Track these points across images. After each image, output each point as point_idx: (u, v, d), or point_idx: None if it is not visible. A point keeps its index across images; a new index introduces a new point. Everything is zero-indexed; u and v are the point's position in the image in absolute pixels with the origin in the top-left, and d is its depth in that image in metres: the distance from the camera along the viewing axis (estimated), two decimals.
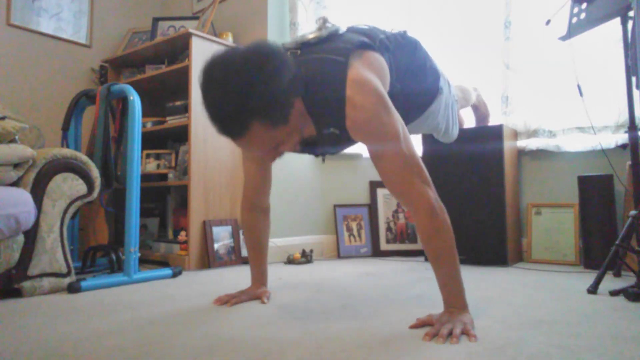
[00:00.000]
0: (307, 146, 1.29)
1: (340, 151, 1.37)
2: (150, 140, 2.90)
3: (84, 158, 1.90)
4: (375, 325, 1.21)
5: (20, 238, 1.67)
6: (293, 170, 2.82)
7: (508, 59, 2.42)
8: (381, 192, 2.91)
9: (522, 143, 2.45)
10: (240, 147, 1.16)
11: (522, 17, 2.40)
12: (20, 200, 1.63)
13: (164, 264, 2.47)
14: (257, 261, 1.60)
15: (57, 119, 2.61)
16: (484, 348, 1.00)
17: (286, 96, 1.06)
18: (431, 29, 2.76)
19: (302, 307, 1.43)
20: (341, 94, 1.12)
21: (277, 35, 2.93)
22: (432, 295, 1.58)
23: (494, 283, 1.78)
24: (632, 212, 1.63)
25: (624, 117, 2.06)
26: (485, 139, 2.29)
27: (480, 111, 2.36)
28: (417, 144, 1.76)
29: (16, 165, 1.70)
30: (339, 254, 2.79)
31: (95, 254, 2.29)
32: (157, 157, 2.80)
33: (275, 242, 2.58)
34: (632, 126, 1.68)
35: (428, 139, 2.42)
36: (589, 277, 1.80)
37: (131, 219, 1.93)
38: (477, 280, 1.82)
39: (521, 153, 2.48)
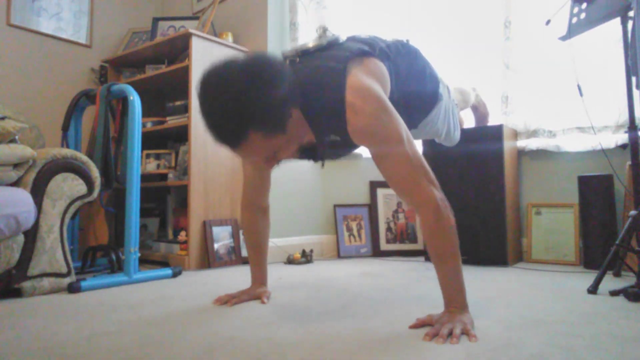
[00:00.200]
0: (306, 152, 1.30)
1: (340, 157, 1.37)
2: (150, 140, 2.90)
3: (84, 158, 1.90)
4: (375, 325, 1.21)
5: (20, 238, 1.67)
6: (293, 170, 2.82)
7: (508, 59, 2.42)
8: (381, 192, 2.91)
9: (522, 143, 2.45)
10: (238, 155, 1.17)
11: (522, 17, 2.40)
12: (20, 200, 1.63)
13: (164, 264, 2.47)
14: (257, 261, 1.60)
15: (57, 119, 2.61)
16: (484, 348, 1.00)
17: (283, 105, 1.06)
18: (431, 29, 2.76)
19: (302, 307, 1.43)
20: (340, 101, 1.12)
21: (277, 35, 2.93)
22: (432, 295, 1.58)
23: (494, 283, 1.78)
24: (632, 212, 1.63)
25: (624, 117, 2.06)
26: (485, 139, 2.29)
27: (479, 111, 2.36)
28: (417, 144, 1.76)
29: (16, 165, 1.70)
30: (339, 254, 2.79)
31: (95, 254, 2.29)
32: (157, 157, 2.80)
33: (275, 242, 2.58)
34: (632, 126, 1.68)
35: (428, 140, 2.42)
36: (589, 277, 1.80)
37: (131, 219, 1.93)
38: (477, 280, 1.82)
39: (521, 153, 2.48)
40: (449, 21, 2.71)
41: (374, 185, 2.92)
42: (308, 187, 2.93)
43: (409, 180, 1.16)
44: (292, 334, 1.13)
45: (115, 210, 2.32)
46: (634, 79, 1.69)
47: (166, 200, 2.92)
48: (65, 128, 2.33)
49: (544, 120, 2.37)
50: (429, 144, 2.42)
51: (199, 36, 2.49)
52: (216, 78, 1.04)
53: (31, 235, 1.70)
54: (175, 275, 2.08)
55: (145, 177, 2.66)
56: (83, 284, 1.75)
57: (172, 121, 2.63)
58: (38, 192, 1.73)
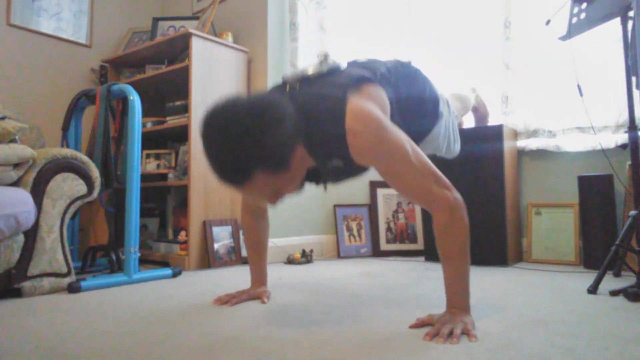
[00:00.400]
0: (309, 177, 1.30)
1: (344, 181, 1.37)
2: (150, 140, 2.90)
3: (84, 158, 1.90)
4: (375, 325, 1.21)
5: (20, 238, 1.67)
6: None
7: (508, 59, 2.42)
8: (381, 192, 2.91)
9: (522, 143, 2.45)
10: (242, 194, 1.17)
11: (522, 17, 2.40)
12: (20, 200, 1.63)
13: (164, 264, 2.47)
14: (257, 261, 1.61)
15: (57, 119, 2.61)
16: (484, 348, 1.00)
17: (288, 145, 1.06)
18: (431, 29, 2.76)
19: (302, 307, 1.43)
20: (341, 128, 1.12)
21: (277, 35, 2.93)
22: (432, 295, 1.58)
23: (494, 283, 1.78)
24: (632, 212, 1.63)
25: (624, 117, 2.06)
26: (485, 139, 2.29)
27: (479, 111, 2.36)
28: None
29: (16, 165, 1.70)
30: (339, 254, 2.79)
31: (95, 254, 2.29)
32: (157, 157, 2.80)
33: (275, 242, 2.58)
34: (632, 126, 1.68)
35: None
36: (589, 277, 1.80)
37: (131, 219, 1.93)
38: (477, 280, 1.82)
39: (521, 153, 2.48)
40: (449, 21, 2.71)
41: (373, 185, 2.92)
42: (308, 187, 2.93)
43: (421, 190, 1.16)
44: (292, 334, 1.13)
45: (115, 210, 2.32)
46: (634, 79, 1.69)
47: (166, 200, 2.92)
48: (65, 128, 2.33)
49: (544, 120, 2.37)
50: None
51: (199, 36, 2.49)
52: (220, 119, 1.03)
53: (31, 235, 1.70)
54: (175, 275, 2.08)
55: (145, 177, 2.66)
56: (83, 284, 1.75)
57: (172, 121, 2.63)
58: (38, 192, 1.73)
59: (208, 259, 2.41)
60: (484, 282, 1.80)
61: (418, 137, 1.54)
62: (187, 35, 2.47)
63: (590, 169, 2.26)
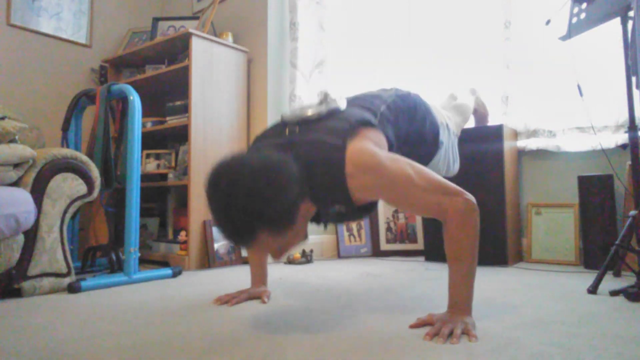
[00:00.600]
0: (311, 218, 1.30)
1: (348, 222, 1.38)
2: (150, 140, 2.90)
3: (84, 158, 1.90)
4: (375, 325, 1.21)
5: (20, 238, 1.67)
6: None
7: (508, 59, 2.42)
8: None
9: (522, 143, 2.45)
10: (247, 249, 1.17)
11: (522, 17, 2.40)
12: (20, 200, 1.63)
13: (164, 264, 2.47)
14: (257, 261, 1.61)
15: (57, 119, 2.61)
16: (484, 348, 1.00)
17: (293, 206, 1.06)
18: (431, 29, 2.76)
19: (302, 307, 1.43)
20: (341, 176, 1.13)
21: (277, 35, 2.94)
22: (432, 295, 1.58)
23: (494, 283, 1.78)
24: (632, 212, 1.63)
25: (624, 117, 2.06)
26: (485, 139, 2.29)
27: (479, 112, 2.36)
28: None
29: (16, 165, 1.70)
30: (339, 254, 2.79)
31: (95, 254, 2.29)
32: (157, 157, 2.81)
33: None
34: (632, 126, 1.68)
35: None
36: (589, 277, 1.80)
37: (131, 219, 1.93)
38: (477, 281, 1.81)
39: (521, 153, 2.48)
40: (449, 21, 2.71)
41: None
42: None
43: (431, 205, 1.16)
44: (292, 334, 1.13)
45: (115, 210, 2.32)
46: (634, 79, 1.69)
47: (166, 200, 2.92)
48: (65, 128, 2.33)
49: (544, 120, 2.37)
50: None
51: (199, 36, 2.50)
52: (226, 181, 1.02)
53: (31, 235, 1.70)
54: (175, 275, 2.08)
55: (145, 177, 2.66)
56: (83, 284, 1.75)
57: (172, 121, 2.63)
58: (38, 192, 1.73)
59: (208, 259, 2.41)
60: (484, 282, 1.80)
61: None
62: (187, 35, 2.47)
63: (590, 169, 2.26)
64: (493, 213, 2.23)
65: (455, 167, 1.84)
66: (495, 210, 2.23)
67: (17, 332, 1.19)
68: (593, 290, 1.56)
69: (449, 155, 1.74)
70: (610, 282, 1.70)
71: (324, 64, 2.88)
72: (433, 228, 2.46)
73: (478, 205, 1.19)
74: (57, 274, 1.75)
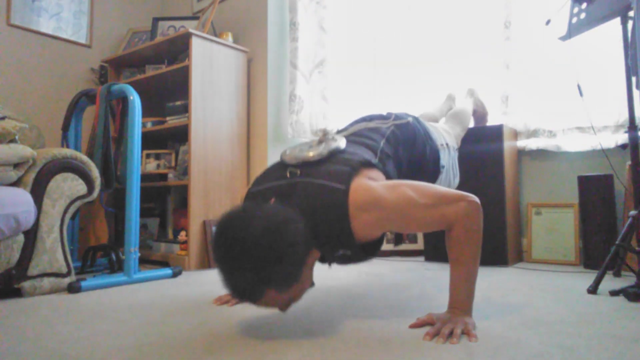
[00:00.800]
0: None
1: (350, 264, 1.37)
2: (150, 140, 2.90)
3: (84, 158, 1.90)
4: (375, 325, 1.21)
5: (20, 238, 1.67)
6: None
7: (508, 59, 2.41)
8: None
9: (522, 143, 2.45)
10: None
11: (522, 17, 2.40)
12: (20, 200, 1.63)
13: (164, 264, 2.47)
14: None
15: (57, 119, 2.61)
16: (484, 348, 1.00)
17: (300, 264, 1.06)
18: (431, 29, 2.76)
19: (302, 307, 1.43)
20: (345, 220, 1.12)
21: (277, 35, 2.94)
22: (432, 295, 1.58)
23: (494, 283, 1.78)
24: (632, 212, 1.63)
25: (624, 117, 2.06)
26: (485, 139, 2.29)
27: (478, 112, 2.36)
28: None
29: (16, 165, 1.70)
30: None
31: (95, 254, 2.29)
32: (157, 157, 2.81)
33: None
34: (632, 126, 1.68)
35: None
36: (589, 277, 1.80)
37: (131, 219, 1.93)
38: (477, 280, 1.81)
39: (521, 153, 2.48)
40: (449, 21, 2.71)
41: None
42: None
43: (436, 220, 1.16)
44: (292, 334, 1.14)
45: (115, 210, 2.32)
46: (634, 79, 1.69)
47: (166, 200, 2.92)
48: (65, 128, 2.33)
49: (544, 120, 2.37)
50: None
51: (199, 36, 2.50)
52: (234, 242, 1.02)
53: (31, 235, 1.70)
54: (175, 275, 2.08)
55: (145, 177, 2.66)
56: (83, 284, 1.75)
57: (172, 121, 2.63)
58: (38, 192, 1.73)
59: (208, 259, 2.41)
60: (484, 282, 1.80)
61: None
62: (187, 35, 2.47)
63: (590, 169, 2.26)
64: (493, 213, 2.23)
65: (456, 182, 1.85)
66: (495, 210, 2.23)
67: (17, 332, 1.19)
68: (593, 290, 1.56)
69: (450, 174, 1.75)
70: (610, 282, 1.70)
71: (324, 64, 2.88)
72: None
73: None
74: (57, 274, 1.75)
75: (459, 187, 2.31)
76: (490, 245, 2.22)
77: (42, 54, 2.82)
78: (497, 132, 2.27)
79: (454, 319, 1.12)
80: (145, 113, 2.72)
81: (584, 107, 1.88)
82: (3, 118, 1.83)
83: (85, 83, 3.01)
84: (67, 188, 1.82)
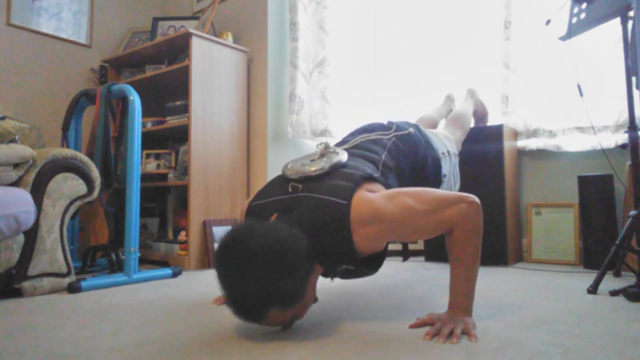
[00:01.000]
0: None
1: (353, 278, 1.37)
2: (150, 140, 2.90)
3: (84, 158, 1.90)
4: (375, 325, 1.21)
5: (20, 238, 1.67)
6: None
7: (508, 59, 2.41)
8: None
9: (522, 143, 2.45)
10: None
11: (522, 17, 2.40)
12: (20, 200, 1.63)
13: (164, 264, 2.47)
14: None
15: (57, 119, 2.61)
16: (484, 348, 1.00)
17: (304, 283, 1.06)
18: (431, 29, 2.76)
19: None
20: (347, 235, 1.12)
21: (277, 35, 2.94)
22: (432, 295, 1.58)
23: (494, 283, 1.78)
24: (632, 212, 1.63)
25: (624, 117, 2.06)
26: (485, 139, 2.29)
27: (478, 112, 2.36)
28: None
29: (16, 165, 1.70)
30: None
31: (95, 254, 2.29)
32: (157, 157, 2.81)
33: None
34: (632, 126, 1.68)
35: None
36: (589, 277, 1.80)
37: (131, 219, 1.93)
38: (477, 280, 1.82)
39: (521, 153, 2.48)
40: (450, 21, 2.71)
41: None
42: None
43: (436, 225, 1.16)
44: (292, 334, 1.14)
45: (115, 210, 2.32)
46: (634, 79, 1.69)
47: (166, 200, 2.92)
48: (65, 128, 2.32)
49: (544, 120, 2.37)
50: None
51: (199, 36, 2.50)
52: (237, 263, 1.01)
53: (31, 235, 1.70)
54: (175, 275, 2.08)
55: (145, 177, 2.66)
56: (83, 284, 1.75)
57: (172, 121, 2.63)
58: (38, 192, 1.73)
59: (208, 259, 2.41)
60: (484, 282, 1.80)
61: None
62: (187, 35, 2.47)
63: (590, 169, 2.26)
64: (493, 213, 2.23)
65: (456, 188, 1.85)
66: (495, 210, 2.23)
67: (17, 332, 1.19)
68: (593, 290, 1.56)
69: (451, 182, 1.76)
70: (610, 282, 1.70)
71: (324, 64, 2.87)
72: None
73: None
74: (57, 274, 1.75)
75: (461, 187, 2.32)
76: (490, 245, 2.22)
77: (42, 54, 2.83)
78: (497, 132, 2.27)
79: (454, 319, 1.12)
80: (145, 113, 2.72)
81: (584, 107, 1.88)
82: (3, 118, 1.83)
83: (85, 83, 3.01)
84: (67, 188, 1.82)
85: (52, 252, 1.75)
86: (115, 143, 2.20)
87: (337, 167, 1.25)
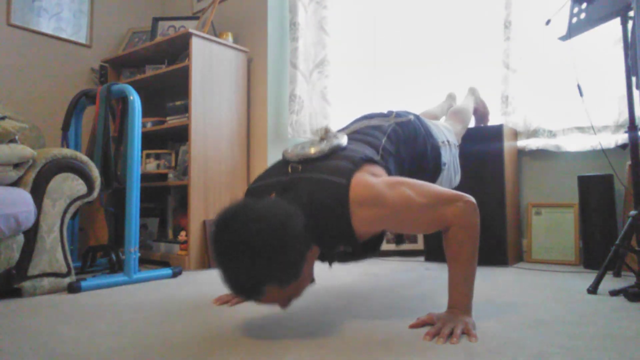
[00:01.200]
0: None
1: (351, 262, 1.36)
2: (150, 140, 2.90)
3: (84, 158, 1.90)
4: (375, 325, 1.21)
5: (20, 238, 1.67)
6: None
7: (508, 59, 2.41)
8: None
9: (522, 143, 2.45)
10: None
11: (522, 17, 2.40)
12: (20, 200, 1.63)
13: (164, 264, 2.47)
14: None
15: (57, 119, 2.61)
16: (484, 348, 1.00)
17: (300, 259, 1.05)
18: (432, 29, 2.76)
19: (302, 307, 1.43)
20: (346, 215, 1.12)
21: (277, 35, 2.93)
22: (432, 295, 1.58)
23: (494, 283, 1.78)
24: (632, 212, 1.63)
25: (624, 117, 2.06)
26: (485, 139, 2.29)
27: (479, 111, 2.36)
28: None
29: (16, 165, 1.70)
30: None
31: (95, 254, 2.29)
32: (157, 157, 2.81)
33: None
34: (632, 126, 1.68)
35: None
36: (589, 277, 1.80)
37: (131, 219, 1.93)
38: (477, 280, 1.81)
39: (521, 153, 2.48)
40: (449, 21, 2.71)
41: None
42: None
43: (434, 220, 1.16)
44: (292, 334, 1.14)
45: (115, 210, 2.32)
46: (634, 79, 1.69)
47: (166, 200, 2.92)
48: (65, 128, 2.32)
49: (544, 120, 2.37)
50: None
51: (199, 36, 2.50)
52: (231, 237, 1.01)
53: (31, 235, 1.70)
54: (175, 275, 2.08)
55: (145, 177, 2.66)
56: (83, 284, 1.75)
57: (172, 121, 2.63)
58: (38, 192, 1.73)
59: (208, 259, 2.41)
60: (484, 282, 1.80)
61: None
62: (187, 35, 2.47)
63: (590, 169, 2.26)
64: (493, 213, 2.23)
65: (457, 179, 1.84)
66: (495, 210, 2.23)
67: (17, 332, 1.19)
68: (593, 290, 1.56)
69: (451, 172, 1.75)
70: (610, 282, 1.70)
71: (324, 64, 2.87)
72: None
73: (478, 206, 1.19)
74: (57, 274, 1.75)
75: (459, 187, 2.31)
76: (490, 245, 2.22)
77: (42, 54, 2.82)
78: (497, 132, 2.27)
79: (454, 319, 1.12)
80: (145, 113, 2.72)
81: (584, 107, 1.88)
82: (3, 118, 1.83)
83: (85, 83, 3.01)
84: (67, 188, 1.82)
85: (52, 252, 1.75)
86: (115, 143, 2.20)
87: (337, 150, 1.26)
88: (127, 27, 3.26)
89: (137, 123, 2.02)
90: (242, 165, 2.72)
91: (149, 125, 2.70)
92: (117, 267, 2.12)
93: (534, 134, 2.40)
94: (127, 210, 1.94)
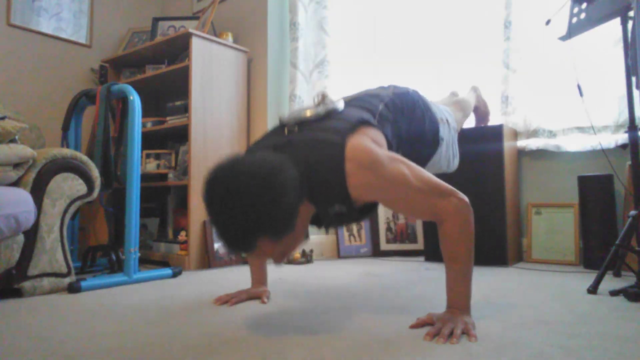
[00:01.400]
0: (311, 221, 1.29)
1: (346, 225, 1.37)
2: (150, 140, 2.90)
3: (84, 158, 1.90)
4: (375, 325, 1.21)
5: (20, 238, 1.67)
6: None
7: (508, 59, 2.42)
8: None
9: (522, 143, 2.45)
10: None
11: (522, 17, 2.40)
12: (20, 200, 1.63)
13: (164, 264, 2.47)
14: (256, 262, 1.60)
15: (57, 119, 2.61)
16: (484, 348, 1.00)
17: (293, 211, 1.05)
18: (432, 29, 2.76)
19: (302, 307, 1.43)
20: (341, 175, 1.12)
21: (277, 35, 2.93)
22: (432, 295, 1.58)
23: (494, 283, 1.78)
24: (632, 212, 1.63)
25: (624, 117, 2.06)
26: (485, 139, 2.29)
27: (480, 110, 2.36)
28: None
29: (16, 165, 1.70)
30: (339, 254, 2.79)
31: (95, 254, 2.29)
32: (157, 157, 2.80)
33: None
34: (632, 126, 1.68)
35: None
36: (589, 277, 1.80)
37: (131, 219, 1.93)
38: (477, 280, 1.81)
39: (521, 153, 2.48)
40: (450, 21, 2.71)
41: None
42: None
43: (426, 207, 1.17)
44: (292, 334, 1.14)
45: (115, 210, 2.32)
46: (634, 79, 1.69)
47: (166, 200, 2.92)
48: (65, 128, 2.33)
49: (544, 120, 2.37)
50: None
51: (199, 36, 2.50)
52: (223, 188, 1.01)
53: (31, 235, 1.70)
54: (175, 275, 2.08)
55: (145, 177, 2.66)
56: (83, 284, 1.75)
57: (172, 121, 2.63)
58: (38, 192, 1.73)
59: (208, 259, 2.41)
60: (484, 282, 1.80)
61: (420, 164, 1.56)
62: (187, 35, 2.47)
63: (590, 169, 2.26)
64: (493, 213, 2.23)
65: (455, 163, 1.84)
66: (495, 210, 2.23)
67: (17, 332, 1.19)
68: (593, 290, 1.56)
69: (450, 151, 1.74)
70: (610, 282, 1.70)
71: (324, 64, 2.87)
72: (432, 228, 2.46)
73: (478, 206, 1.19)
74: (57, 274, 1.75)
75: (459, 187, 2.32)
76: (490, 245, 2.23)
77: (42, 54, 2.82)
78: (497, 132, 2.27)
79: (454, 319, 1.12)
80: (145, 113, 2.71)
81: (584, 107, 1.88)
82: (3, 118, 1.83)
83: (85, 83, 3.01)
84: (67, 188, 1.82)
85: (52, 252, 1.75)
86: (115, 143, 2.20)
87: (334, 113, 1.27)
88: (127, 27, 3.26)
89: (137, 123, 2.02)
90: None
91: (149, 125, 2.70)
92: (117, 267, 2.12)
93: (534, 134, 2.40)
94: (127, 210, 1.94)
